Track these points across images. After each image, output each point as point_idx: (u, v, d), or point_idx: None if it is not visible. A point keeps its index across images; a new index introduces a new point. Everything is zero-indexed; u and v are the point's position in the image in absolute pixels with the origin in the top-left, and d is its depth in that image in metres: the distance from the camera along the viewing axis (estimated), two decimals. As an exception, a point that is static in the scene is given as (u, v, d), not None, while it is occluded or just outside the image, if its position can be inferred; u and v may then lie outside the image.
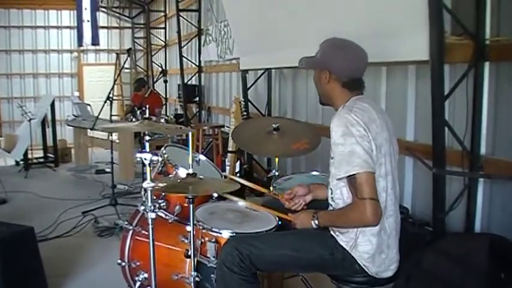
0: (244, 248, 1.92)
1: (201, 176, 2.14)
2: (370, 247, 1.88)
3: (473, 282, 1.87)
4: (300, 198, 2.25)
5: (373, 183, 1.79)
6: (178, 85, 8.65)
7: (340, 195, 1.94)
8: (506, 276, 1.86)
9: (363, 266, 1.90)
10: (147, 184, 2.13)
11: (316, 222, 1.97)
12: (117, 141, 6.23)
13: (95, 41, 10.48)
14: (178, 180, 2.22)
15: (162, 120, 6.07)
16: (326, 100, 2.06)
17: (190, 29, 8.43)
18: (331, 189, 2.01)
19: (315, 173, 2.93)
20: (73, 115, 7.39)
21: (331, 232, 1.97)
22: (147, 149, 2.25)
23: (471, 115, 2.54)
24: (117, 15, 12.34)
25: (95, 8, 10.33)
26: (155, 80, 10.62)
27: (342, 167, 1.81)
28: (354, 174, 1.78)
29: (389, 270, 1.95)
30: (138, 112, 5.50)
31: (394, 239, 1.95)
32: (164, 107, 9.11)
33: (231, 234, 2.10)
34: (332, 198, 2.00)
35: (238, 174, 4.80)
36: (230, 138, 4.70)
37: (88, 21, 10.31)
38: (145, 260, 2.37)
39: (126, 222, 2.59)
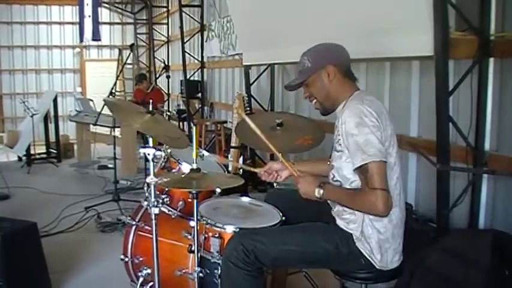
0: (249, 243, 1.91)
1: (204, 171, 2.13)
2: (377, 237, 1.88)
3: (476, 278, 1.86)
4: (277, 173, 2.29)
5: (384, 173, 1.78)
6: (181, 81, 8.64)
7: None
8: (511, 273, 1.86)
9: (368, 257, 1.90)
10: (151, 179, 2.12)
11: (322, 192, 1.93)
12: (120, 136, 6.22)
13: (96, 36, 10.46)
14: (182, 176, 2.22)
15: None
16: (331, 102, 2.01)
17: (193, 25, 8.42)
18: (339, 181, 1.98)
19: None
20: (75, 110, 7.39)
21: (337, 220, 1.97)
22: (150, 144, 2.24)
23: (475, 111, 2.54)
24: (120, 10, 12.33)
25: (96, 4, 10.31)
26: (158, 75, 10.60)
27: (357, 156, 1.79)
28: (367, 164, 1.76)
29: (394, 262, 1.94)
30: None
31: (399, 229, 1.94)
32: (167, 102, 9.10)
33: (235, 230, 2.09)
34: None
35: (241, 171, 4.79)
36: (233, 133, 4.68)
37: (89, 16, 10.29)
38: (148, 255, 2.37)
39: (129, 218, 2.59)
